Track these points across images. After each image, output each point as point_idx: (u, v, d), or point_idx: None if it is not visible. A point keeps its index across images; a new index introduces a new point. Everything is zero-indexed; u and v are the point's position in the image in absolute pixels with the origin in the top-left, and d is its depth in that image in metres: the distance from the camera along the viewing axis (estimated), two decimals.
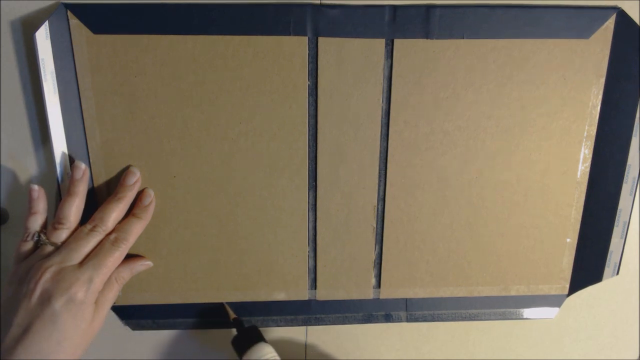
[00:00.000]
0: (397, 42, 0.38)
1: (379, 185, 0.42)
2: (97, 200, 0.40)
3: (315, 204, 0.42)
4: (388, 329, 0.47)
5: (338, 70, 0.39)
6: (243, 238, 0.42)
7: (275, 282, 0.44)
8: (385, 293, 0.45)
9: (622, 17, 0.39)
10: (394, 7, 0.37)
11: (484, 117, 0.41)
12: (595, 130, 0.42)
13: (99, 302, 0.36)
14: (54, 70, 0.36)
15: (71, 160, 0.39)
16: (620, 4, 0.39)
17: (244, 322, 0.44)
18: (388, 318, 0.46)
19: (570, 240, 0.45)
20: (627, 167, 0.42)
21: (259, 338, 0.42)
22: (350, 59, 0.38)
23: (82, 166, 0.38)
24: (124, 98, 0.38)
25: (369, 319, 0.46)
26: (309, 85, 0.39)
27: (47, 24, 0.35)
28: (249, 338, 0.42)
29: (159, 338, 0.46)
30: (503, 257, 0.45)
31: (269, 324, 0.45)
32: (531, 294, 0.46)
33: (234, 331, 0.43)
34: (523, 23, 0.38)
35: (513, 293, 0.46)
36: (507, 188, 0.43)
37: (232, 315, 0.44)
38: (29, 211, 0.37)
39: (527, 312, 0.47)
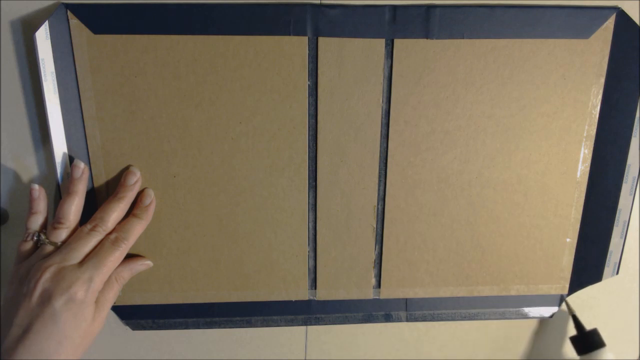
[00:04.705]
0: (397, 42, 0.38)
1: (379, 185, 0.42)
2: (97, 200, 0.40)
3: (315, 204, 0.42)
4: (388, 329, 0.47)
5: (338, 70, 0.39)
6: (243, 238, 0.42)
7: (275, 282, 0.44)
8: (385, 293, 0.45)
9: (622, 17, 0.39)
10: (394, 7, 0.37)
11: (484, 117, 0.41)
12: (595, 130, 0.42)
13: (99, 302, 0.36)
14: (54, 70, 0.36)
15: (71, 160, 0.39)
16: (620, 4, 0.39)
17: (580, 320, 0.46)
18: (388, 318, 0.46)
19: (570, 240, 0.45)
20: (627, 167, 0.42)
21: (601, 343, 0.45)
22: (350, 59, 0.38)
23: (82, 165, 0.38)
24: (124, 98, 0.38)
25: (369, 319, 0.46)
26: (309, 85, 0.39)
27: (47, 24, 0.35)
28: (592, 341, 0.45)
29: (159, 338, 0.46)
30: (503, 257, 0.45)
31: (269, 324, 0.45)
32: (531, 293, 0.46)
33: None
34: (523, 23, 0.38)
35: (513, 293, 0.46)
36: (507, 188, 0.43)
37: (572, 310, 0.46)
38: (30, 211, 0.37)
39: (527, 312, 0.47)
